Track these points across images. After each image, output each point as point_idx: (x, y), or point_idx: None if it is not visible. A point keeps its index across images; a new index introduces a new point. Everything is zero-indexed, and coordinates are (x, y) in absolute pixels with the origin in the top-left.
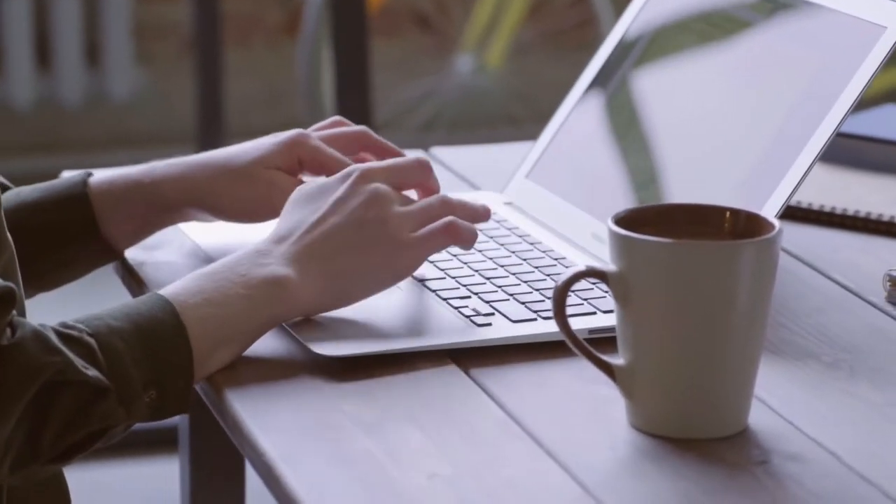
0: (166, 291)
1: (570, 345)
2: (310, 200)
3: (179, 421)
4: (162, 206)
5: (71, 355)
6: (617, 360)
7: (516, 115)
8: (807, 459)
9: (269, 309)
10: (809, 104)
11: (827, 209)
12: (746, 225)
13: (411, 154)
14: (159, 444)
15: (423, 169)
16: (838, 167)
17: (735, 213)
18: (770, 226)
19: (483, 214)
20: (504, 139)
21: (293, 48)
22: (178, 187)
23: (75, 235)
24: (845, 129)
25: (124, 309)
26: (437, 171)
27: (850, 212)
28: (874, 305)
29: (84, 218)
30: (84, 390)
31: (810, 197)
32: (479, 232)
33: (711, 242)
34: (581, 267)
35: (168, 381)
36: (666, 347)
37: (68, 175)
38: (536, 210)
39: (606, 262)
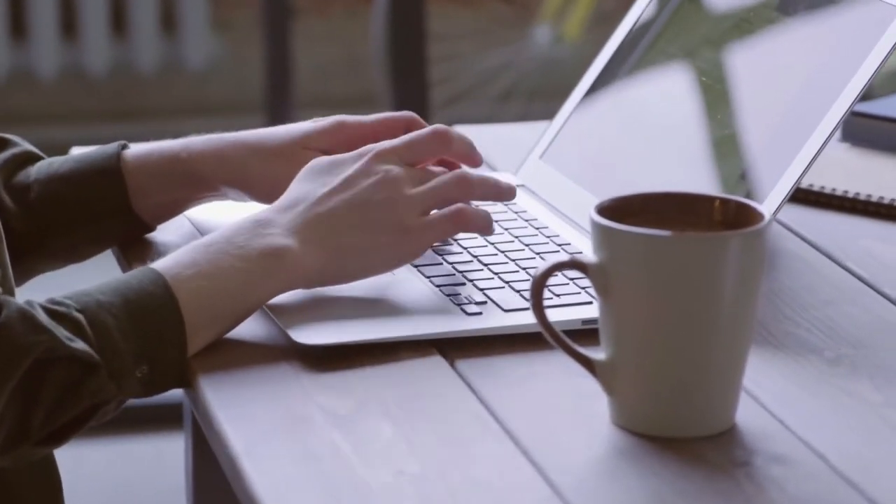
0: (158, 264)
1: (549, 338)
2: (320, 174)
3: (183, 397)
4: (197, 181)
5: (58, 332)
6: (599, 354)
7: None
8: (792, 461)
9: (265, 281)
10: (821, 85)
11: (850, 195)
12: (737, 214)
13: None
14: (164, 420)
15: (441, 140)
16: (865, 149)
17: (724, 202)
18: (759, 216)
19: (506, 192)
20: None
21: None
22: (215, 164)
23: (108, 209)
24: (873, 110)
25: (114, 283)
26: None
27: (874, 198)
28: (887, 298)
29: (117, 192)
30: (73, 366)
31: (833, 181)
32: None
33: (694, 235)
34: (562, 257)
35: (159, 354)
36: (647, 343)
37: (101, 147)
38: (548, 193)
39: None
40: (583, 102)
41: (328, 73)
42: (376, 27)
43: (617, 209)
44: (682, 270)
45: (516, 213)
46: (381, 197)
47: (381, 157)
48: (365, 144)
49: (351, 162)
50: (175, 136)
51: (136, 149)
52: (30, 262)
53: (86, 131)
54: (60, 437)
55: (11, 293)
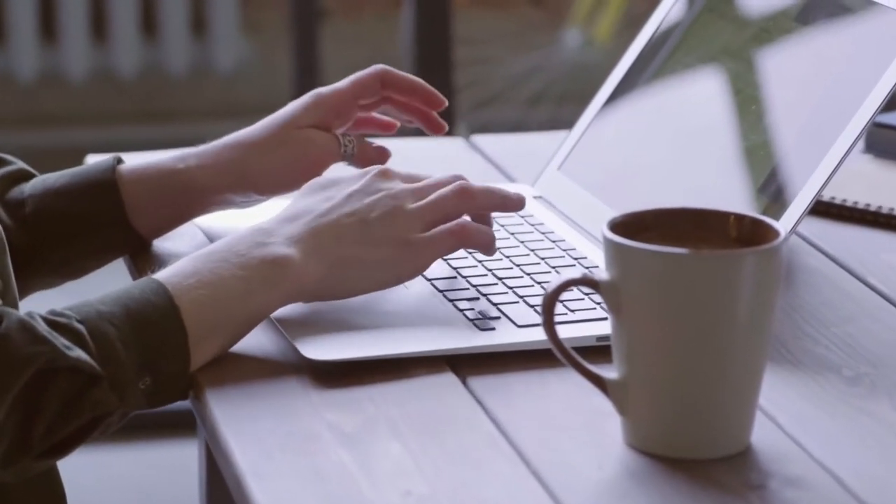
0: (160, 274)
1: (560, 356)
2: (322, 189)
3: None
4: (198, 193)
5: (58, 343)
6: (612, 372)
7: None
8: (807, 484)
9: (266, 290)
10: (842, 96)
11: (872, 208)
12: (752, 230)
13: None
14: (178, 427)
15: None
16: (888, 161)
17: (739, 217)
18: (775, 233)
19: (513, 203)
20: None
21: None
22: (214, 171)
23: (103, 224)
24: None
25: (115, 294)
26: (475, 160)
27: None
28: None
29: (113, 206)
30: (75, 378)
31: (855, 194)
32: (500, 227)
33: (708, 252)
34: (574, 274)
35: (162, 365)
36: (660, 362)
37: (95, 160)
38: (565, 205)
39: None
40: (601, 113)
41: None
42: (405, 30)
43: (630, 225)
44: (696, 289)
45: (533, 225)
46: (383, 212)
47: (384, 174)
48: (347, 109)
49: (353, 179)
50: (204, 138)
51: (131, 163)
52: (25, 277)
53: (115, 133)
54: (62, 450)
55: (15, 305)
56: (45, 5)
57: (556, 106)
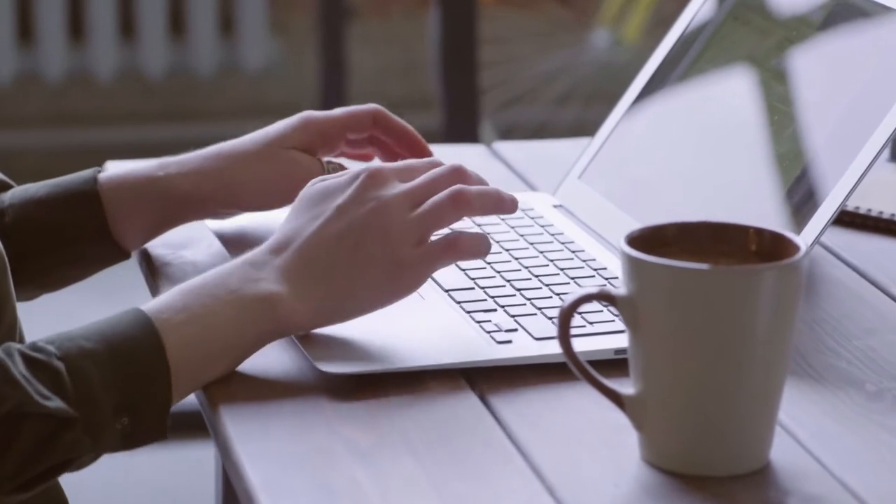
0: (148, 307)
1: (575, 371)
2: (312, 205)
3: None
4: (178, 201)
5: (30, 388)
6: (629, 387)
7: None
8: (827, 503)
9: (257, 328)
10: (867, 104)
11: None
12: (772, 245)
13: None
14: (194, 428)
15: (453, 173)
16: None
17: (759, 232)
18: (795, 247)
19: (508, 204)
20: None
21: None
22: (195, 179)
23: (84, 234)
24: None
25: (100, 326)
26: (496, 167)
27: None
28: None
29: (94, 216)
30: (47, 422)
31: (880, 203)
32: (519, 237)
33: (726, 268)
34: (591, 288)
35: (142, 406)
36: (677, 378)
37: (78, 172)
38: (586, 214)
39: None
40: (623, 120)
41: (385, 76)
42: (434, 30)
43: (648, 238)
44: (714, 304)
45: (552, 235)
46: (375, 228)
47: (375, 177)
48: (334, 137)
49: (344, 186)
50: (231, 138)
51: (112, 171)
52: None
53: (143, 133)
54: (31, 486)
55: (13, 326)
56: (74, 5)
57: (583, 106)
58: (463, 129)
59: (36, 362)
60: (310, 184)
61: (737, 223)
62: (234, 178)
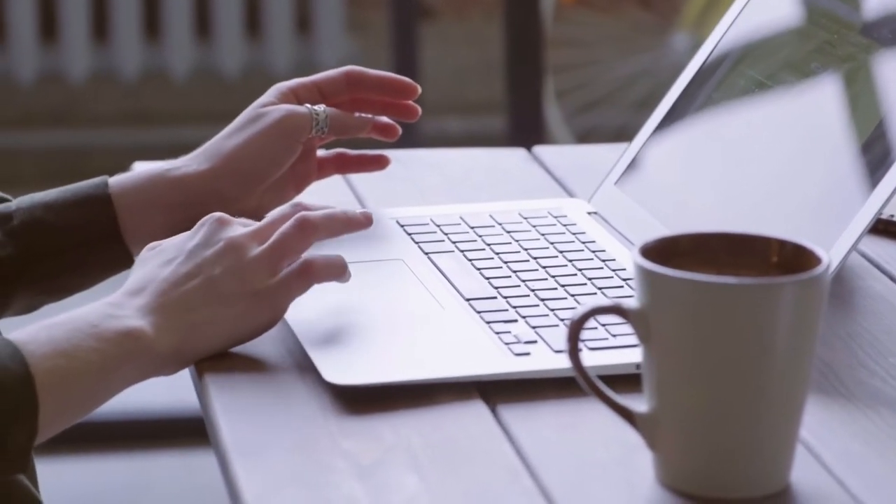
0: (17, 337)
1: (584, 386)
2: (161, 253)
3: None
4: (187, 186)
5: None
6: (642, 405)
7: None
8: None
9: (123, 363)
10: None
11: None
12: (794, 257)
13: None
14: (202, 434)
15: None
16: None
17: (781, 243)
18: (817, 260)
19: (359, 223)
20: None
21: None
22: (198, 162)
23: (94, 237)
24: None
25: None
26: (536, 172)
27: None
28: None
29: (105, 219)
30: None
31: None
32: (549, 244)
33: (742, 280)
34: (602, 301)
35: (7, 437)
36: (691, 396)
37: (88, 180)
38: (620, 222)
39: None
40: (660, 127)
41: (462, 77)
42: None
43: (664, 250)
44: (730, 319)
45: (584, 243)
46: (226, 267)
47: (221, 221)
48: (306, 91)
49: (191, 235)
50: None
51: (120, 176)
52: (6, 293)
53: (219, 131)
54: None
55: None
56: (150, 3)
57: None
58: (527, 133)
59: None
60: (151, 244)
61: (757, 234)
62: (228, 146)
